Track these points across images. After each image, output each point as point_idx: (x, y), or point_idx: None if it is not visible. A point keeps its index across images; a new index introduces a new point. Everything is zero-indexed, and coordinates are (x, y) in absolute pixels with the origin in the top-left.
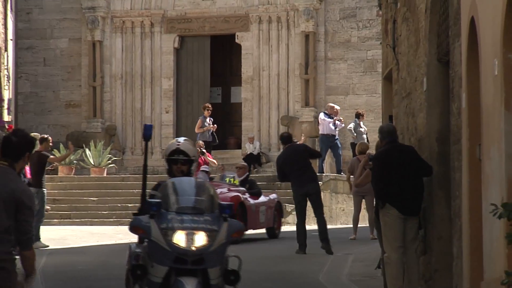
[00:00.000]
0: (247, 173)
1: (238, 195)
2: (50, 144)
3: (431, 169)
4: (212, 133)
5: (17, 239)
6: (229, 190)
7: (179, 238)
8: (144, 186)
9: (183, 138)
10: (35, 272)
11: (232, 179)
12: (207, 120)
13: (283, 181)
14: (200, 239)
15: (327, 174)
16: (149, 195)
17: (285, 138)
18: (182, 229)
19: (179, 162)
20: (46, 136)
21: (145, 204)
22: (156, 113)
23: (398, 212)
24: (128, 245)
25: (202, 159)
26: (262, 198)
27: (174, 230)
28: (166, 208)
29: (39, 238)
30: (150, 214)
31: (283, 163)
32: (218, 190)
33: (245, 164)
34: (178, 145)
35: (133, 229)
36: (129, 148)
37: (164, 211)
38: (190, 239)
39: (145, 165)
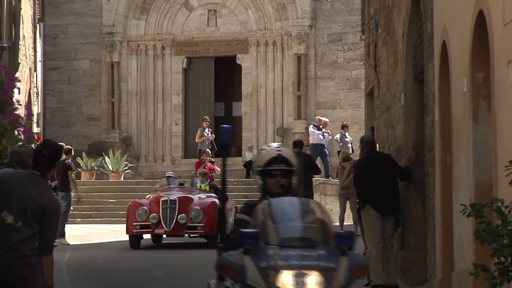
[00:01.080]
0: (209, 180)
1: (215, 201)
2: (72, 154)
3: (408, 174)
4: (211, 141)
5: (39, 245)
6: (207, 196)
7: (286, 281)
8: (223, 209)
9: (276, 143)
10: (52, 284)
11: (203, 185)
12: (206, 130)
13: None
14: (313, 281)
15: (316, 178)
16: (234, 220)
17: (297, 143)
18: (289, 268)
19: (277, 174)
20: (70, 147)
21: (231, 233)
22: (167, 125)
23: (377, 212)
24: (207, 283)
25: (209, 166)
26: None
27: (277, 270)
28: (264, 240)
29: (64, 235)
30: (244, 249)
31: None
32: (195, 196)
33: (207, 171)
34: (279, 152)
35: (221, 269)
36: (143, 156)
37: (262, 244)
38: (299, 281)
39: (223, 182)
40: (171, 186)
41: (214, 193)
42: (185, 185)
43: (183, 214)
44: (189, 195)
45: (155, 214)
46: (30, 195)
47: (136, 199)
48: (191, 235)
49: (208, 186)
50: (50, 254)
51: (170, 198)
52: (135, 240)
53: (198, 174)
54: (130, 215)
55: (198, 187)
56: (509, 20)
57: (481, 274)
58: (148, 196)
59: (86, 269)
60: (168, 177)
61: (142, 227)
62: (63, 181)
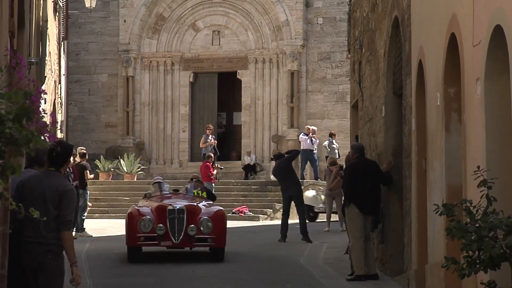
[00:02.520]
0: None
1: (221, 209)
2: (87, 157)
3: (389, 180)
4: (214, 147)
5: (59, 223)
6: (209, 204)
7: None
8: None
9: None
10: (76, 260)
11: (200, 192)
12: (209, 137)
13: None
14: None
15: (307, 180)
16: None
17: (276, 156)
18: None
19: None
20: (85, 152)
21: None
22: (175, 132)
23: (359, 211)
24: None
25: (213, 168)
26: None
27: None
28: None
29: (84, 229)
30: None
31: (277, 172)
32: (201, 205)
33: (199, 176)
34: None
35: None
36: (154, 159)
37: None
38: None
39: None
40: (165, 192)
41: (209, 198)
42: (180, 191)
43: (193, 225)
44: (194, 203)
45: (162, 225)
46: (47, 187)
47: (134, 206)
48: (195, 247)
49: (205, 193)
50: (69, 230)
51: (177, 207)
52: (135, 252)
53: (190, 180)
54: (131, 225)
55: (195, 193)
56: (477, 42)
57: (452, 266)
58: (140, 204)
59: (103, 258)
60: (158, 182)
61: (147, 238)
62: (80, 180)
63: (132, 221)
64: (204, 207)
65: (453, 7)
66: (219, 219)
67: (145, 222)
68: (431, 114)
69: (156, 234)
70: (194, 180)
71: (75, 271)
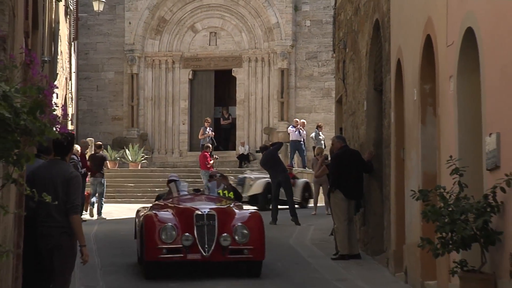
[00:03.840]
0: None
1: (257, 213)
2: (102, 148)
3: (371, 168)
4: (211, 138)
5: (67, 207)
6: (239, 207)
7: None
8: None
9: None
10: (85, 242)
11: (226, 192)
12: (207, 129)
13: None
14: None
15: (295, 168)
16: None
17: (262, 148)
18: None
19: None
20: (101, 144)
21: None
22: (176, 125)
23: (344, 196)
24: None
25: (210, 158)
26: None
27: None
28: None
29: (101, 213)
30: None
31: (263, 162)
32: (232, 207)
33: (222, 174)
34: None
35: None
36: (157, 149)
37: None
38: None
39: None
40: (184, 193)
41: (236, 198)
42: (205, 191)
43: (226, 234)
44: (224, 206)
45: (188, 234)
46: (55, 174)
47: (153, 211)
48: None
49: (232, 193)
50: (77, 214)
51: (206, 212)
52: (155, 268)
53: (210, 177)
54: (149, 234)
55: (221, 194)
56: (451, 42)
57: (427, 246)
58: (156, 207)
59: (110, 239)
60: (173, 181)
61: (170, 251)
62: (99, 168)
63: (150, 229)
64: (237, 210)
65: (428, 10)
66: (256, 225)
67: (167, 231)
68: (408, 108)
69: (181, 246)
70: (216, 177)
71: (84, 251)
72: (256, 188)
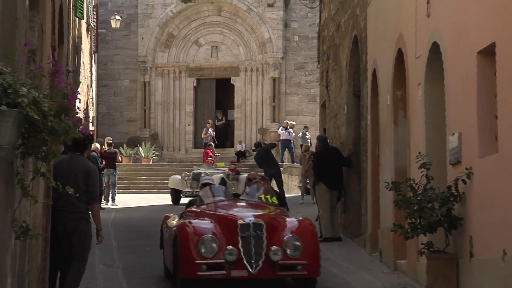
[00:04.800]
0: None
1: (309, 221)
2: (113, 145)
3: (349, 162)
4: (212, 137)
5: (88, 197)
6: (286, 214)
7: None
8: None
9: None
10: (102, 227)
11: (269, 197)
12: (209, 129)
13: (260, 167)
14: None
15: (286, 163)
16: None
17: (257, 144)
18: None
19: None
20: (111, 141)
21: None
22: (182, 126)
23: (326, 187)
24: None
25: (212, 154)
26: None
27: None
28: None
29: (115, 200)
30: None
31: (258, 158)
32: (280, 215)
33: (259, 176)
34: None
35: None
36: (166, 147)
37: None
38: None
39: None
40: (220, 198)
41: (280, 204)
42: (243, 196)
43: (276, 247)
44: (272, 214)
45: (232, 248)
46: (76, 168)
47: (188, 221)
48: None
49: (275, 198)
50: (96, 203)
51: (252, 221)
52: (193, 287)
53: (248, 180)
54: (185, 247)
55: (262, 199)
56: (419, 55)
57: (399, 231)
58: (190, 214)
59: (126, 225)
60: (208, 184)
61: (211, 267)
62: (113, 162)
63: (186, 241)
64: (286, 218)
65: (400, 27)
66: (310, 235)
67: (207, 243)
68: (382, 112)
69: (223, 261)
70: (256, 179)
71: (101, 234)
72: None
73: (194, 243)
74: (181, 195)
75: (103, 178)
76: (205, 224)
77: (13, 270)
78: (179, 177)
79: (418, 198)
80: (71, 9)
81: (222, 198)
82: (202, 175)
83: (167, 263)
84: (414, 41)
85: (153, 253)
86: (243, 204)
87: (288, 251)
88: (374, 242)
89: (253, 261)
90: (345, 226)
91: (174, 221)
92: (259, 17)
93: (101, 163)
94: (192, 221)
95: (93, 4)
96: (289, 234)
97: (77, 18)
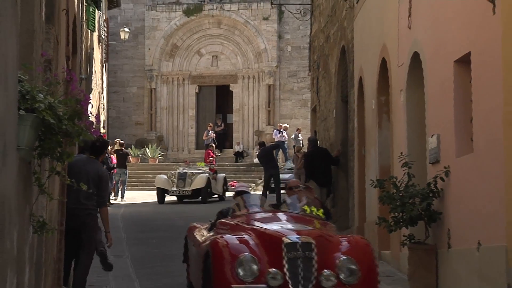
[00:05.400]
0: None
1: (366, 241)
2: (124, 146)
3: (337, 162)
4: (213, 139)
5: (97, 201)
6: (335, 231)
7: None
8: None
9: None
10: (109, 229)
11: (313, 209)
12: (210, 132)
13: (262, 165)
14: None
15: (279, 162)
16: None
17: (261, 144)
18: None
19: None
20: (123, 143)
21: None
22: (185, 128)
23: (317, 184)
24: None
25: (213, 154)
26: None
27: None
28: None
29: (123, 196)
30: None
31: (260, 156)
32: (330, 231)
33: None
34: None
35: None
36: (170, 147)
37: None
38: None
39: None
40: (256, 209)
41: (326, 217)
42: (284, 207)
43: (329, 271)
44: (322, 231)
45: (276, 271)
46: (89, 170)
47: (221, 236)
48: None
49: (321, 210)
50: (105, 206)
51: (299, 239)
52: None
53: (289, 189)
54: (220, 267)
55: (306, 211)
56: (401, 63)
57: (383, 224)
58: (221, 226)
59: (134, 219)
60: (242, 192)
61: None
62: (124, 162)
63: (221, 260)
64: (340, 237)
65: (383, 39)
66: (367, 257)
67: (246, 264)
68: (368, 115)
69: (265, 286)
70: (298, 188)
71: (109, 236)
72: (198, 182)
73: (230, 263)
74: (166, 194)
75: (113, 177)
76: (243, 241)
77: (31, 260)
78: (165, 176)
79: (401, 194)
80: (84, 22)
81: (259, 209)
82: (188, 174)
83: (194, 281)
84: (396, 51)
85: (159, 245)
86: (285, 217)
87: (342, 276)
88: (360, 234)
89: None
90: (334, 220)
91: (203, 234)
92: (255, 29)
93: (111, 162)
94: (227, 236)
95: (104, 17)
96: (343, 256)
97: (89, 31)
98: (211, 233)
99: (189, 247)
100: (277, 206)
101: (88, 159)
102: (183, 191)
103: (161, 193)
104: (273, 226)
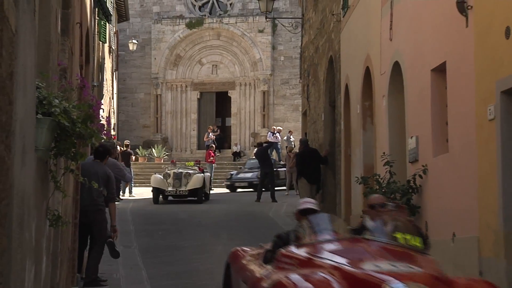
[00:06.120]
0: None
1: (483, 281)
2: (129, 147)
3: (326, 161)
4: (213, 140)
5: (106, 198)
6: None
7: None
8: None
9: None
10: (116, 223)
11: (409, 236)
12: (210, 134)
13: (259, 164)
14: None
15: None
16: None
17: (259, 144)
18: None
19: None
20: (128, 143)
21: None
22: (188, 130)
23: (307, 181)
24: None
25: (214, 154)
26: None
27: None
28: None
29: (132, 192)
30: None
31: (256, 155)
32: (442, 272)
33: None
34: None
35: None
36: (174, 148)
37: None
38: None
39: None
40: (328, 236)
41: (425, 246)
42: (366, 234)
43: None
44: (435, 274)
45: None
46: (98, 170)
47: (287, 276)
48: None
49: (418, 239)
50: (114, 202)
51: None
52: None
53: (370, 207)
54: None
55: (399, 240)
56: (383, 72)
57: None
58: (286, 261)
59: (141, 213)
60: (308, 211)
61: None
62: (128, 161)
63: None
64: (457, 280)
65: (367, 49)
66: None
67: None
68: (353, 119)
69: None
70: (385, 207)
71: (115, 229)
72: (195, 182)
73: None
74: (164, 194)
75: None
76: (326, 285)
77: (48, 250)
78: (161, 176)
79: (383, 190)
80: (96, 35)
81: (333, 236)
82: (184, 174)
83: None
84: (379, 61)
85: (164, 236)
86: (375, 250)
87: None
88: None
89: None
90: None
91: (256, 266)
92: (251, 41)
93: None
94: (296, 277)
95: (114, 30)
96: None
97: (100, 42)
98: (269, 267)
99: (233, 280)
100: (358, 232)
101: (93, 162)
102: (180, 191)
103: (157, 193)
104: (364, 265)
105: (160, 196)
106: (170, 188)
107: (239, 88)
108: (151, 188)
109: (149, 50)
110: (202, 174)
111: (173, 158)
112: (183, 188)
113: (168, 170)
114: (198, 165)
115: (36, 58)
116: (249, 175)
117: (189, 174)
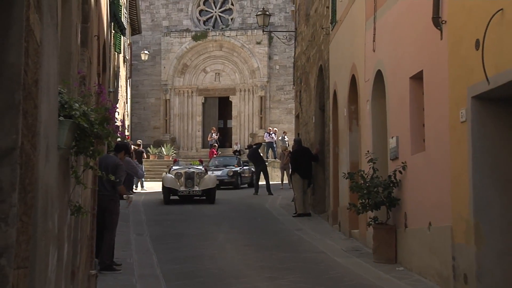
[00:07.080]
0: None
1: None
2: (141, 146)
3: (317, 159)
4: (216, 140)
5: (114, 182)
6: None
7: None
8: None
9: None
10: (127, 195)
11: None
12: (213, 134)
13: (252, 163)
14: None
15: (270, 159)
16: None
17: (249, 146)
18: None
19: None
20: (140, 143)
21: None
22: (194, 131)
23: (300, 177)
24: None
25: (216, 153)
26: None
27: None
28: None
29: (143, 186)
30: None
31: (249, 156)
32: None
33: None
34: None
35: None
36: (182, 147)
37: None
38: None
39: None
40: None
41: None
42: None
43: None
44: None
45: None
46: (109, 162)
47: None
48: None
49: None
50: (121, 185)
51: None
52: None
53: None
54: None
55: None
56: (367, 79)
57: (353, 208)
58: None
59: (152, 204)
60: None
61: None
62: (140, 158)
63: None
64: None
65: (353, 59)
66: None
67: None
68: (341, 121)
69: None
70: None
71: (129, 198)
72: (208, 182)
73: None
74: (177, 194)
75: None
76: None
77: (69, 237)
78: (172, 176)
79: (367, 185)
80: (112, 46)
81: None
82: (196, 174)
83: None
84: (363, 69)
85: (173, 225)
86: None
87: None
88: (334, 216)
89: None
90: (313, 205)
91: None
92: (250, 51)
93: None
94: None
95: (128, 42)
96: None
97: (116, 53)
98: None
99: None
100: None
101: (109, 155)
102: (192, 191)
103: (168, 192)
104: None
105: (172, 195)
106: (182, 188)
107: (239, 94)
108: (161, 183)
109: (159, 60)
110: (214, 174)
111: (175, 157)
112: (196, 188)
113: (174, 169)
114: (203, 165)
115: (58, 67)
116: (218, 173)
117: (201, 174)
